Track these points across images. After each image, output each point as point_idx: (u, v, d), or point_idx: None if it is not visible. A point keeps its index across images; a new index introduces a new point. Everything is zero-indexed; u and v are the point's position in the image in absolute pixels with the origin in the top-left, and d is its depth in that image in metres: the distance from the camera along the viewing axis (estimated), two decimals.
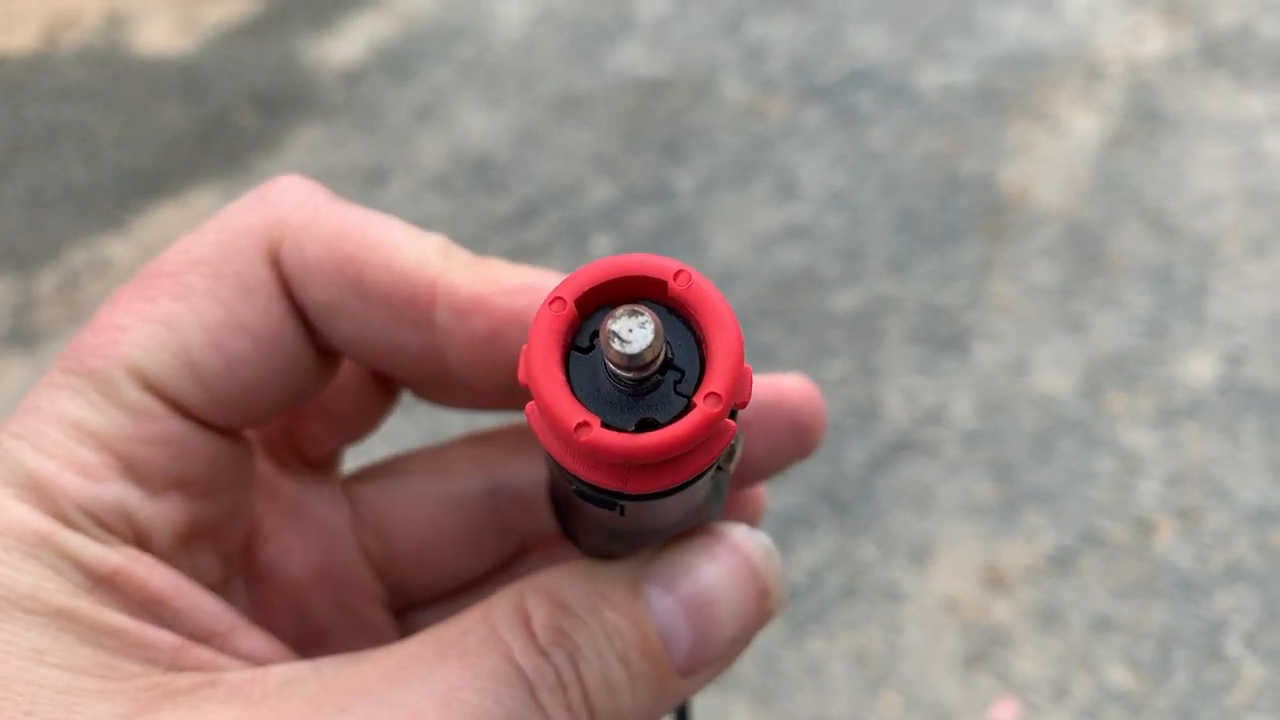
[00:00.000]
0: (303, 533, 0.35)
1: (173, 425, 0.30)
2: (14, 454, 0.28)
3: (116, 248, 1.67)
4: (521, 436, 0.37)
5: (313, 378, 0.33)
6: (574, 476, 0.27)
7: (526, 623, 0.28)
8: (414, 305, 0.31)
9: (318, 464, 0.38)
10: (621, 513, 0.28)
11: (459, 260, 0.32)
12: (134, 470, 0.29)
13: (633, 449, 0.25)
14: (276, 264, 0.31)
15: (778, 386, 0.34)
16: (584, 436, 0.25)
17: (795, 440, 0.35)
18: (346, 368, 0.36)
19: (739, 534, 0.30)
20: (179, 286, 0.30)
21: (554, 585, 0.29)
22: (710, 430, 0.26)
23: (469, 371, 0.32)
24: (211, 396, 0.30)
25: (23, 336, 1.57)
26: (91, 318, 0.30)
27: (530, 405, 0.27)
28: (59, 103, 1.92)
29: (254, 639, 0.30)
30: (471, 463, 0.37)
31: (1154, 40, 1.78)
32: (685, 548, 0.29)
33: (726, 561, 0.29)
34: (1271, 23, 1.77)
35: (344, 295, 0.31)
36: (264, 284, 0.31)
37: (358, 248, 0.31)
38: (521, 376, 0.26)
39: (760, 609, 0.29)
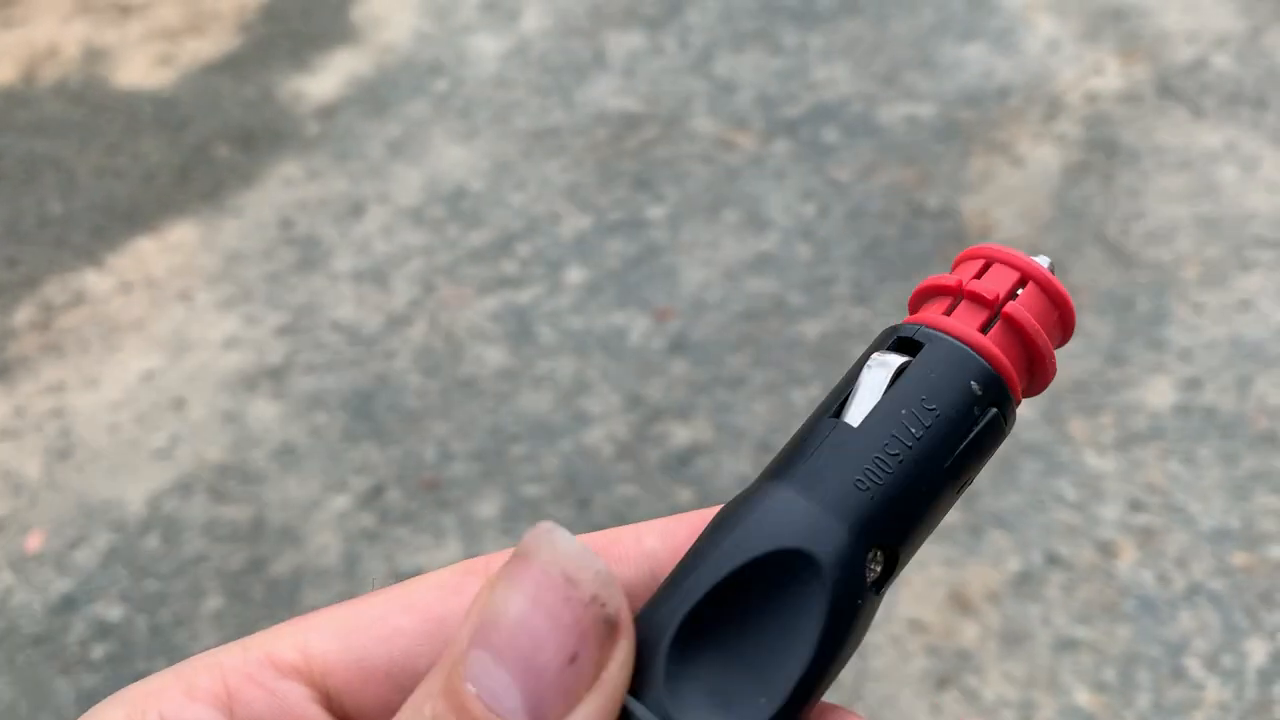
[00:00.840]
0: None
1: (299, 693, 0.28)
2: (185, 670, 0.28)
3: (93, 280, 1.67)
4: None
5: None
6: (993, 374, 0.27)
7: None
8: None
9: None
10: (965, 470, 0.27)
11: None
12: (236, 699, 0.27)
13: (1056, 284, 0.28)
14: None
15: None
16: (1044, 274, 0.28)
17: None
18: None
19: (527, 542, 0.24)
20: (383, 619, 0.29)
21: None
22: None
23: None
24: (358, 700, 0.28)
25: None
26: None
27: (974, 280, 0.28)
28: (36, 136, 1.93)
29: None
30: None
31: (1111, 75, 1.82)
32: (490, 586, 0.24)
33: (525, 578, 0.24)
34: (1223, 59, 1.82)
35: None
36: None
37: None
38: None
39: (591, 615, 0.24)
